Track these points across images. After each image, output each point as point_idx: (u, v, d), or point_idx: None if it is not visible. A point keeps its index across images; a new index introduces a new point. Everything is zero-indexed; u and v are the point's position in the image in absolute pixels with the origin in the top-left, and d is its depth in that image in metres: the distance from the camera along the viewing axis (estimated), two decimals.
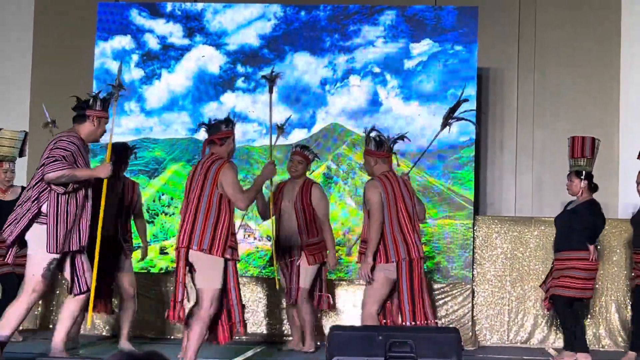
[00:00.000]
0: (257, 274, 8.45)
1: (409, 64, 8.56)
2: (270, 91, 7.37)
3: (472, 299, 8.40)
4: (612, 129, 9.10)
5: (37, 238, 5.73)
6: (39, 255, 5.75)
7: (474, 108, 8.44)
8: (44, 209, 5.72)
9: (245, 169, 8.43)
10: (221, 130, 5.96)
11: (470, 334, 8.25)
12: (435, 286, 8.37)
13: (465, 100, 6.88)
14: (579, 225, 7.29)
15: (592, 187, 7.49)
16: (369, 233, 6.27)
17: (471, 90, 8.43)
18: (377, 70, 8.60)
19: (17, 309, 5.78)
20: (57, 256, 5.77)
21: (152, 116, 8.69)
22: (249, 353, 7.46)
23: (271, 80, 7.39)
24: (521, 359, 7.63)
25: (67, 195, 5.76)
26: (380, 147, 6.47)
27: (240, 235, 8.22)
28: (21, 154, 7.84)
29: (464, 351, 6.76)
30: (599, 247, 7.49)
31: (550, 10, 9.37)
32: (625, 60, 9.18)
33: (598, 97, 9.24)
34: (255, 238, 8.46)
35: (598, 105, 9.23)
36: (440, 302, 8.36)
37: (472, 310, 8.38)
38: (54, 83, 9.55)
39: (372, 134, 6.54)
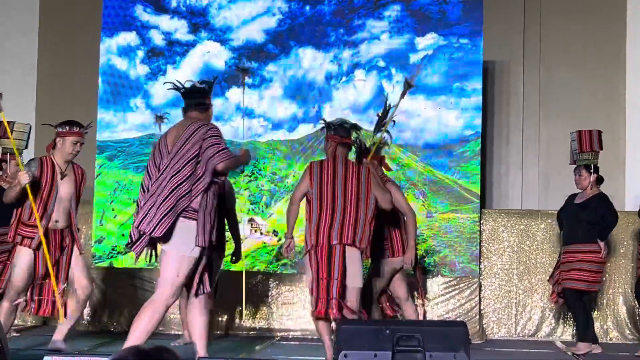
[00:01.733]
0: (264, 268, 8.44)
1: (414, 58, 8.55)
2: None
3: (479, 293, 8.40)
4: (618, 121, 9.08)
5: (186, 234, 5.03)
6: (182, 253, 5.05)
7: (480, 101, 8.45)
8: (194, 204, 5.04)
9: (250, 164, 8.41)
10: (350, 133, 6.25)
11: (478, 327, 8.25)
12: (442, 280, 8.37)
13: (390, 106, 6.57)
14: (590, 219, 7.34)
15: (599, 180, 7.54)
16: (410, 226, 6.61)
17: (477, 84, 8.43)
18: (382, 64, 8.58)
19: (152, 317, 5.00)
20: (197, 255, 5.08)
21: (157, 112, 8.68)
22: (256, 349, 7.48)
23: (386, 115, 6.65)
24: (529, 352, 7.64)
25: (210, 189, 5.14)
26: (367, 152, 6.41)
27: (247, 230, 8.24)
28: (26, 147, 7.87)
29: (472, 345, 6.77)
30: (609, 243, 7.49)
31: (555, 3, 9.34)
32: (631, 54, 9.15)
33: (604, 90, 9.21)
34: (262, 233, 8.45)
35: (604, 98, 9.20)
36: (447, 295, 8.36)
37: (480, 303, 8.38)
38: (60, 80, 9.57)
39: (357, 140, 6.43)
